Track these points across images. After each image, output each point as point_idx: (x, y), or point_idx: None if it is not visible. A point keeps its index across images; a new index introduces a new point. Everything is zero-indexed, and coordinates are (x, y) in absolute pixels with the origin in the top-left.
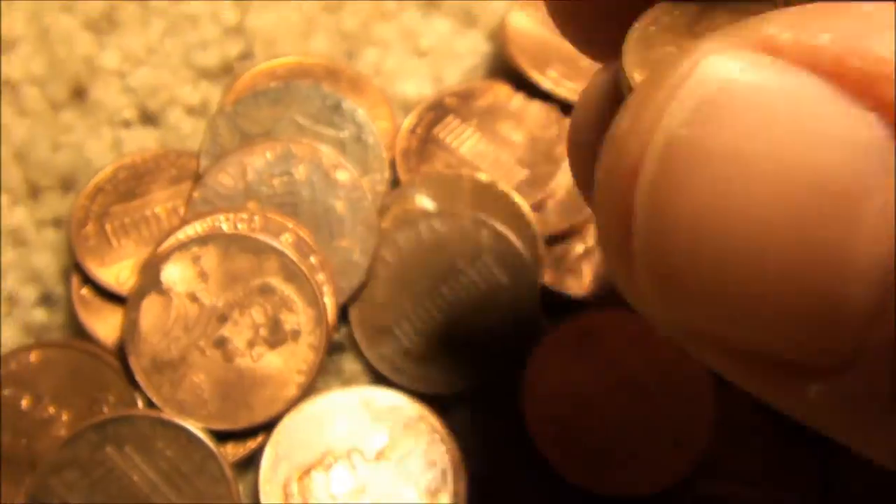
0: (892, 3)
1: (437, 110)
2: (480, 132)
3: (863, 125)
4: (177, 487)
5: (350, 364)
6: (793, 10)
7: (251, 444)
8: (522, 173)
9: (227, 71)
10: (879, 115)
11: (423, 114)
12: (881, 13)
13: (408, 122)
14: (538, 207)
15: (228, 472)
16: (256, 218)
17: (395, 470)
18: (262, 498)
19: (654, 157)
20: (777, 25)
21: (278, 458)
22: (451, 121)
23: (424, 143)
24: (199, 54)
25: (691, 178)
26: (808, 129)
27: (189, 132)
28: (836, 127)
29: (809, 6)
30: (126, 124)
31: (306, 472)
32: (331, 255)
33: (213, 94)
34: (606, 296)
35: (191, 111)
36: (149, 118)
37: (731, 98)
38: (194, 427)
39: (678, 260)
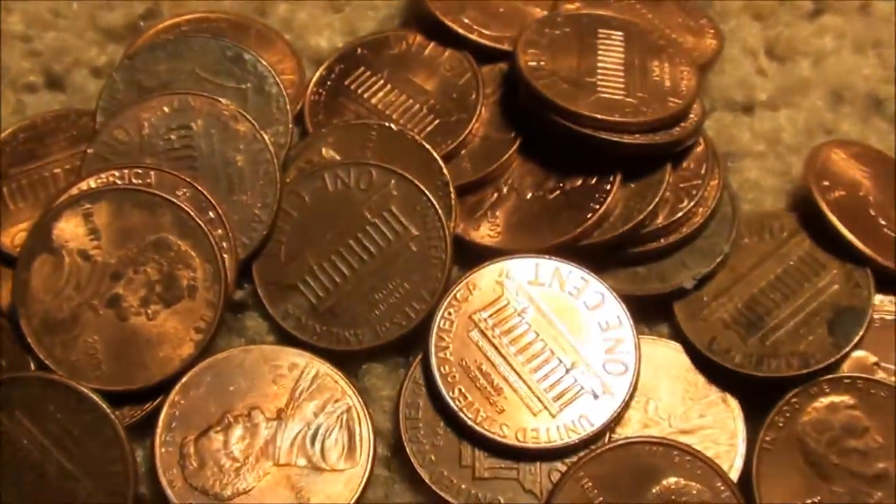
0: None
1: (348, 61)
2: (391, 82)
3: None
4: (68, 451)
5: (254, 322)
6: None
7: (148, 407)
8: (434, 122)
9: (133, 31)
10: None
11: (333, 66)
12: None
13: (317, 74)
14: (451, 156)
15: (122, 434)
16: (152, 173)
17: (298, 428)
18: (158, 461)
19: None
20: None
21: (175, 418)
22: (363, 72)
23: (334, 95)
24: (105, 15)
25: None
26: None
27: (94, 94)
28: None
29: None
30: (31, 88)
31: (204, 432)
32: (231, 210)
33: (119, 54)
34: (519, 242)
35: (96, 73)
36: (54, 82)
37: None
38: (86, 388)
39: None
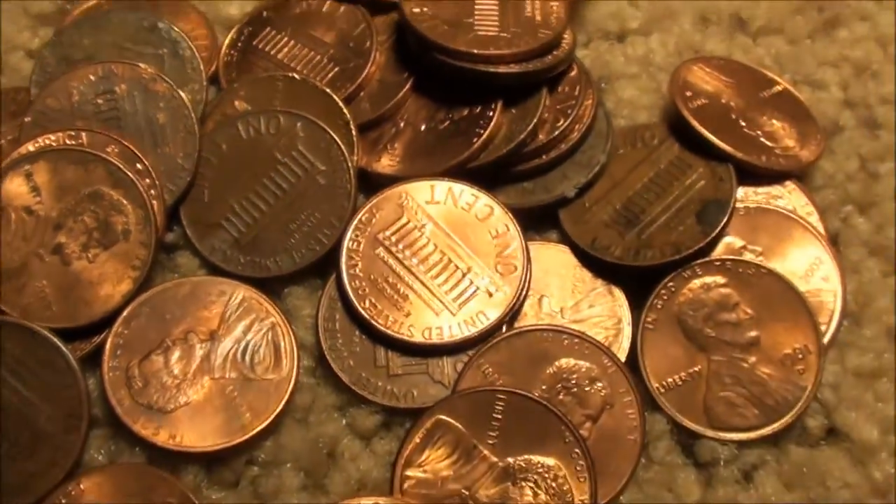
0: None
1: (255, 24)
2: (295, 38)
3: None
4: (26, 381)
5: (185, 259)
6: None
7: (96, 340)
8: (335, 69)
9: (62, 14)
10: None
11: (243, 29)
12: None
13: (229, 38)
14: (351, 98)
15: (73, 363)
16: (83, 134)
17: (229, 346)
18: (107, 384)
19: None
20: None
21: (119, 346)
22: (269, 32)
23: (245, 54)
24: (35, 2)
25: None
26: None
27: (29, 73)
28: None
29: None
30: None
31: (146, 356)
32: (157, 162)
33: (50, 36)
34: (416, 169)
35: (31, 54)
36: None
37: None
38: (37, 326)
39: None
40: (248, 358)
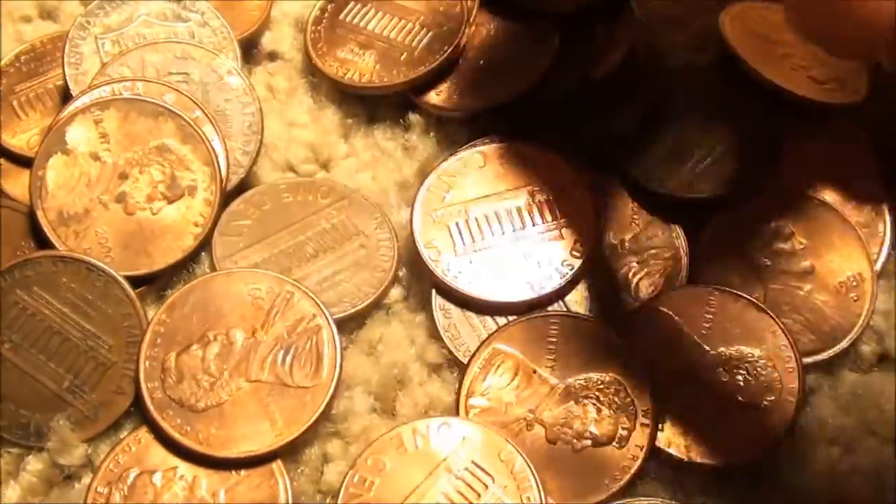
0: None
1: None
2: (382, 9)
3: None
4: (85, 314)
5: None
6: None
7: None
8: (428, 35)
9: None
10: None
11: (325, 6)
12: None
13: (312, 16)
14: (454, 61)
15: (131, 292)
16: (139, 84)
17: (269, 348)
18: (141, 374)
19: None
20: None
21: (160, 335)
22: (353, 6)
23: (332, 29)
24: None
25: None
26: None
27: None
28: None
29: None
30: (27, 20)
31: (185, 349)
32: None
33: None
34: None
35: (84, 1)
36: (48, 14)
37: None
38: (91, 258)
39: None
40: (287, 363)
